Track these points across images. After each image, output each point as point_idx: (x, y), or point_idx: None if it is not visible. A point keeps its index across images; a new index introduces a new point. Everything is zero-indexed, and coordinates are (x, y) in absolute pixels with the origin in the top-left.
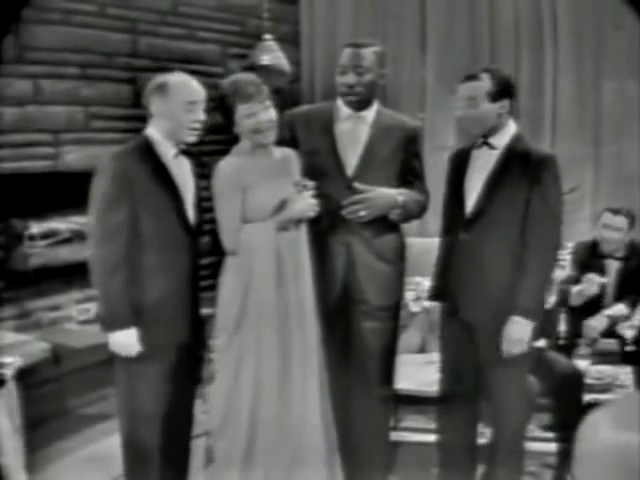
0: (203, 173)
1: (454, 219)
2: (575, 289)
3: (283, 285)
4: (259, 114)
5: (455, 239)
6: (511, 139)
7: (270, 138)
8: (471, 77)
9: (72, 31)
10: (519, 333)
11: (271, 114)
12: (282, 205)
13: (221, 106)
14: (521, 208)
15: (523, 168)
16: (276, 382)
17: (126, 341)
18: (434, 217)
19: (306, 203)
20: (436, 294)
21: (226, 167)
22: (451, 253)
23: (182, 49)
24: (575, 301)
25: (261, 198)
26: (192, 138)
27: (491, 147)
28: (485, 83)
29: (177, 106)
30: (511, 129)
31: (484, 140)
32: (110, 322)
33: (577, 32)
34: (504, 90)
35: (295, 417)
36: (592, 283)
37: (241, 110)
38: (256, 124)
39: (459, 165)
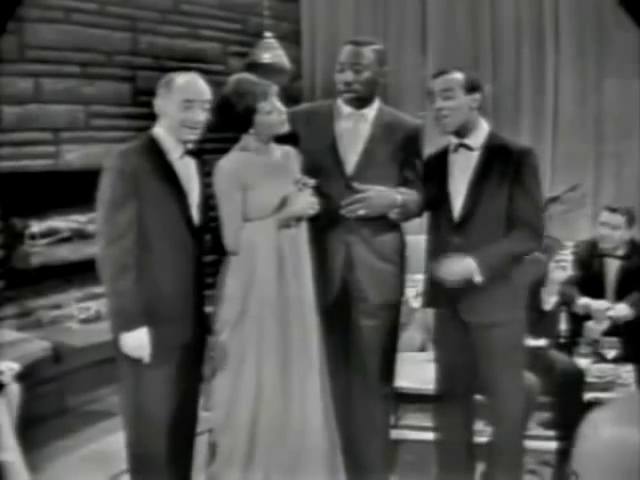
0: (204, 171)
1: (441, 224)
2: (581, 302)
3: (284, 283)
4: (275, 110)
5: (445, 242)
6: (486, 138)
7: (285, 127)
8: (443, 72)
9: (73, 29)
10: (458, 267)
11: (283, 107)
12: (283, 203)
13: (234, 107)
14: (506, 203)
15: (503, 164)
16: (277, 380)
17: (138, 342)
18: None
19: (306, 201)
20: (431, 299)
21: (226, 166)
22: (443, 256)
23: (183, 47)
24: (578, 310)
25: (262, 196)
26: (192, 137)
27: (468, 148)
28: (459, 76)
29: (174, 103)
30: (484, 128)
31: (460, 142)
32: (121, 323)
33: (579, 30)
34: (474, 84)
35: (295, 416)
36: (601, 316)
37: (262, 109)
38: (277, 119)
39: (437, 169)
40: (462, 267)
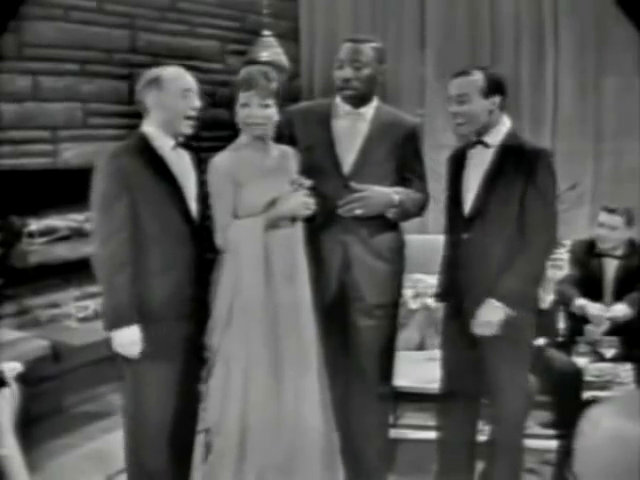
0: (199, 163)
1: (454, 219)
2: (578, 304)
3: (272, 284)
4: (253, 107)
5: (457, 239)
6: (505, 137)
7: (257, 132)
8: (462, 73)
9: (71, 27)
10: (489, 315)
11: (266, 112)
12: (273, 203)
13: (231, 94)
14: (518, 203)
15: (517, 164)
16: (266, 382)
17: (129, 339)
18: (434, 215)
19: (298, 201)
20: (443, 295)
21: (221, 162)
22: (454, 253)
23: (181, 45)
24: (576, 311)
25: (253, 195)
26: (189, 129)
27: (486, 145)
28: (477, 78)
29: (173, 95)
30: (505, 126)
31: (478, 139)
32: (113, 320)
33: (578, 28)
34: (495, 86)
35: (289, 417)
36: (598, 320)
37: (240, 98)
38: (248, 116)
39: (456, 165)
40: (492, 315)
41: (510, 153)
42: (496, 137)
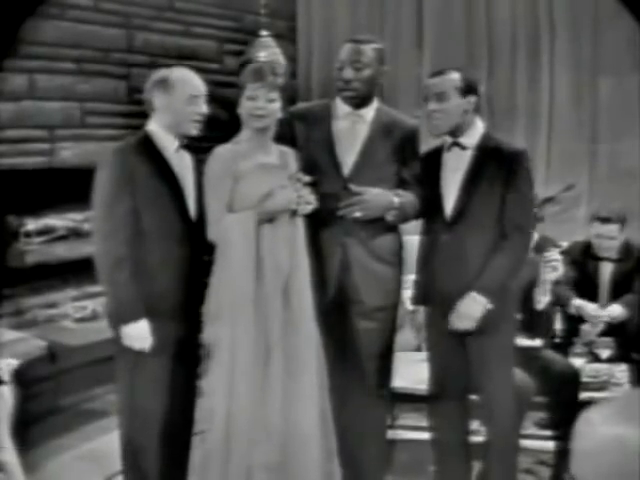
0: (199, 166)
1: (433, 222)
2: (575, 304)
3: (264, 279)
4: (260, 99)
5: (436, 241)
6: (481, 138)
7: (260, 124)
8: (440, 73)
9: (68, 26)
10: (471, 309)
11: (272, 106)
12: (267, 196)
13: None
14: (498, 204)
15: (496, 165)
16: (252, 380)
17: (139, 333)
18: None
19: (291, 196)
20: (420, 298)
21: (221, 152)
22: (433, 255)
23: (178, 45)
24: (572, 311)
25: (251, 188)
26: (195, 131)
27: (462, 147)
28: (455, 77)
29: (181, 100)
30: (479, 128)
31: (454, 141)
32: (121, 315)
33: (574, 28)
34: (471, 86)
35: (276, 417)
36: (595, 320)
37: (247, 89)
38: (253, 108)
39: (431, 167)
40: (473, 308)
41: (488, 154)
42: (472, 138)
